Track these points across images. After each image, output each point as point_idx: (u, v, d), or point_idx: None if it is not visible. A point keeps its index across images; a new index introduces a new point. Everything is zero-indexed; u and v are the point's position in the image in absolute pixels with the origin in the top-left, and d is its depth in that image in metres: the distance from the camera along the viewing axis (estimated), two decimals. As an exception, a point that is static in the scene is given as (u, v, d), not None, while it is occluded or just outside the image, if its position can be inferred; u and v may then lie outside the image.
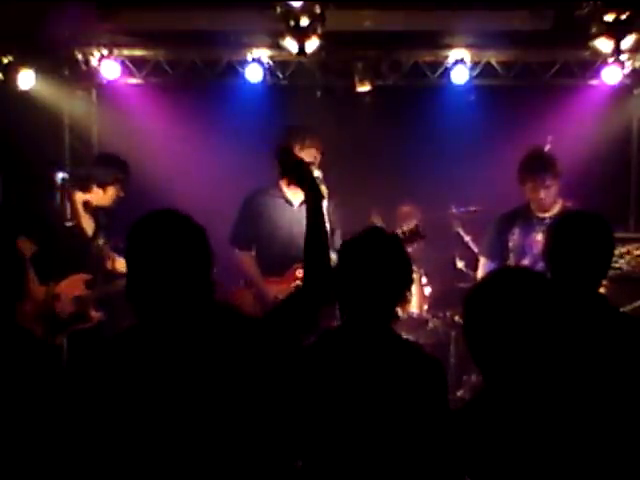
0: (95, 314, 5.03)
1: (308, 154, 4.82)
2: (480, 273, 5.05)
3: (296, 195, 4.93)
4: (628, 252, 4.90)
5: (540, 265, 4.63)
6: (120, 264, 5.27)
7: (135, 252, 2.23)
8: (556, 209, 4.78)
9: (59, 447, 2.34)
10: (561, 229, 2.94)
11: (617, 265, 4.76)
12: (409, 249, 5.00)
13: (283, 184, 4.98)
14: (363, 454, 2.54)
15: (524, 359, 2.08)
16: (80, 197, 5.13)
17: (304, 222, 4.70)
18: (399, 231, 4.96)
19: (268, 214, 4.98)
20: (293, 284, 4.75)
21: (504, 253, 4.87)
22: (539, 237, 4.72)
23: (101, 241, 5.22)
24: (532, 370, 2.08)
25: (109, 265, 5.27)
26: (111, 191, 5.18)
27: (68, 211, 4.96)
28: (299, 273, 4.71)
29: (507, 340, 2.07)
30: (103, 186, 5.14)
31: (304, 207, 4.75)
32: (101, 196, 5.16)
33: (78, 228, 5.09)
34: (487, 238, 5.09)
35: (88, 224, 5.17)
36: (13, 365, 2.88)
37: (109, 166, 5.22)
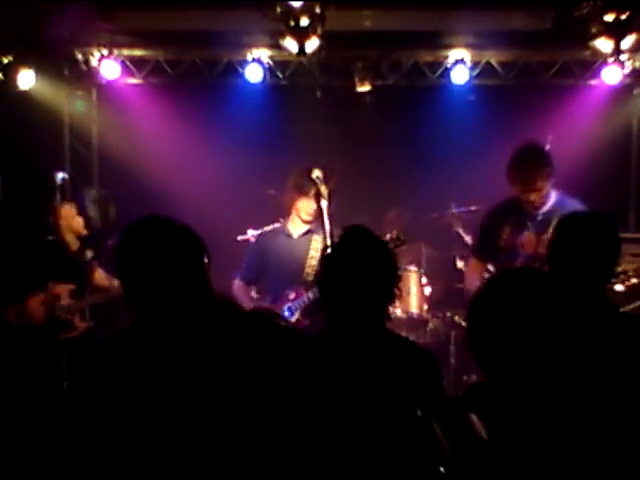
0: (80, 323, 5.02)
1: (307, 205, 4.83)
2: (472, 273, 4.86)
3: (297, 228, 4.97)
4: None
5: (533, 264, 4.56)
6: (101, 278, 5.33)
7: (126, 261, 2.31)
8: (549, 205, 4.48)
9: (60, 447, 2.34)
10: (566, 229, 2.88)
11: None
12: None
13: (286, 220, 5.01)
14: (361, 451, 2.54)
15: (531, 362, 2.06)
16: (66, 212, 5.20)
17: (302, 250, 4.77)
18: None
19: (271, 249, 5.02)
20: (284, 307, 4.79)
21: (495, 252, 4.61)
22: (531, 235, 4.48)
23: (89, 255, 5.26)
24: (539, 372, 2.07)
25: (94, 279, 5.31)
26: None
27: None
28: (291, 296, 4.79)
29: (514, 343, 2.06)
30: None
31: (303, 238, 4.85)
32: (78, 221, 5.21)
33: (59, 243, 5.12)
34: (476, 237, 4.94)
35: (72, 239, 5.19)
36: (16, 364, 2.88)
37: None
